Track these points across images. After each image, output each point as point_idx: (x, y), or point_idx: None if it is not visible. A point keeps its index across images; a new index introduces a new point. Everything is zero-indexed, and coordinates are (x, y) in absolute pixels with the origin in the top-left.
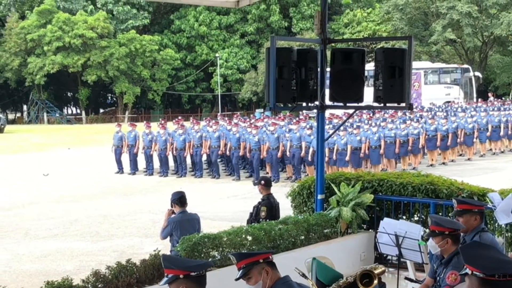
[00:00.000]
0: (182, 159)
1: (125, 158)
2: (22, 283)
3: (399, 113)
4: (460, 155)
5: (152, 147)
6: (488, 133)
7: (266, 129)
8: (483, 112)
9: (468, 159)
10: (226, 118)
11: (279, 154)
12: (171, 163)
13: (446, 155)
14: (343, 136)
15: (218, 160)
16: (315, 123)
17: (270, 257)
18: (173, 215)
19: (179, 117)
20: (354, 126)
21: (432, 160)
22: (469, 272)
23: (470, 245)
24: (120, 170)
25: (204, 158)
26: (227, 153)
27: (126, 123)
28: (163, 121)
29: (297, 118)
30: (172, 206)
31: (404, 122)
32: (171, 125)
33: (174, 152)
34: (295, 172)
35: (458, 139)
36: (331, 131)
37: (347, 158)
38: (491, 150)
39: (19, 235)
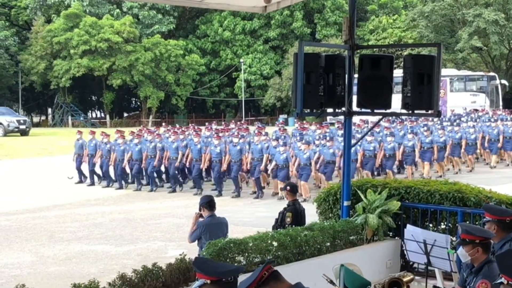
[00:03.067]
0: (138, 170)
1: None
2: (47, 285)
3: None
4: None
5: (110, 157)
6: (500, 144)
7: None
8: (493, 122)
9: (470, 170)
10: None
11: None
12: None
13: (441, 166)
14: (306, 150)
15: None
16: (283, 133)
17: (265, 273)
18: (201, 219)
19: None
20: (327, 138)
21: (429, 172)
22: (505, 282)
23: (506, 254)
24: (80, 179)
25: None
26: (187, 164)
27: (150, 127)
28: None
29: (257, 130)
30: (200, 210)
31: (391, 135)
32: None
33: (126, 162)
34: (257, 186)
35: (463, 149)
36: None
37: (312, 173)
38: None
39: (44, 237)
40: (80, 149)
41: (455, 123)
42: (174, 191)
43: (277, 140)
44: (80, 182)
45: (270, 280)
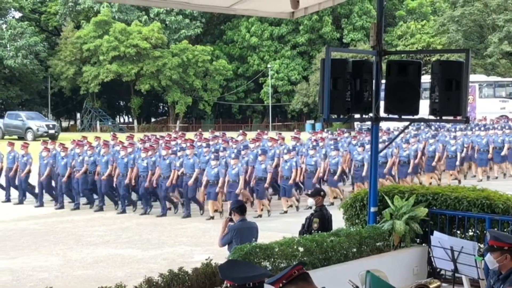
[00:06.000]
0: (64, 186)
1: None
2: None
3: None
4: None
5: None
6: (490, 155)
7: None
8: (482, 132)
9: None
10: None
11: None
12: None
13: (406, 181)
14: (235, 166)
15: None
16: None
17: (295, 272)
18: (231, 223)
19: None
20: (260, 152)
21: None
22: None
23: None
24: None
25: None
26: (115, 180)
27: (177, 132)
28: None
29: (189, 143)
30: (231, 214)
31: (336, 149)
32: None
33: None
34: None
35: (434, 162)
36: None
37: (237, 191)
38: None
39: (71, 241)
40: None
41: (445, 133)
42: (101, 209)
43: (216, 153)
44: None
45: (299, 280)
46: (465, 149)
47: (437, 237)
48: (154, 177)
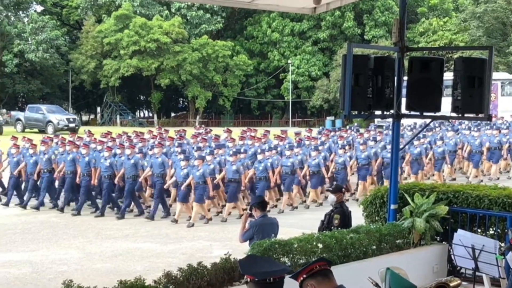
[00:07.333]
0: (33, 184)
1: None
2: (93, 282)
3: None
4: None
5: None
6: (484, 156)
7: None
8: (476, 132)
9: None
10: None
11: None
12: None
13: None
14: (200, 166)
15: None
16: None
17: (316, 266)
18: (250, 218)
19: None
20: (231, 152)
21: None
22: None
23: None
24: None
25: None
26: (77, 180)
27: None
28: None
29: (158, 141)
30: (251, 210)
31: (316, 149)
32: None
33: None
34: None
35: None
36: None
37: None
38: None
39: (91, 235)
40: None
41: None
42: (62, 210)
43: (183, 153)
44: None
45: (318, 275)
46: (458, 149)
47: (460, 234)
48: (118, 176)
